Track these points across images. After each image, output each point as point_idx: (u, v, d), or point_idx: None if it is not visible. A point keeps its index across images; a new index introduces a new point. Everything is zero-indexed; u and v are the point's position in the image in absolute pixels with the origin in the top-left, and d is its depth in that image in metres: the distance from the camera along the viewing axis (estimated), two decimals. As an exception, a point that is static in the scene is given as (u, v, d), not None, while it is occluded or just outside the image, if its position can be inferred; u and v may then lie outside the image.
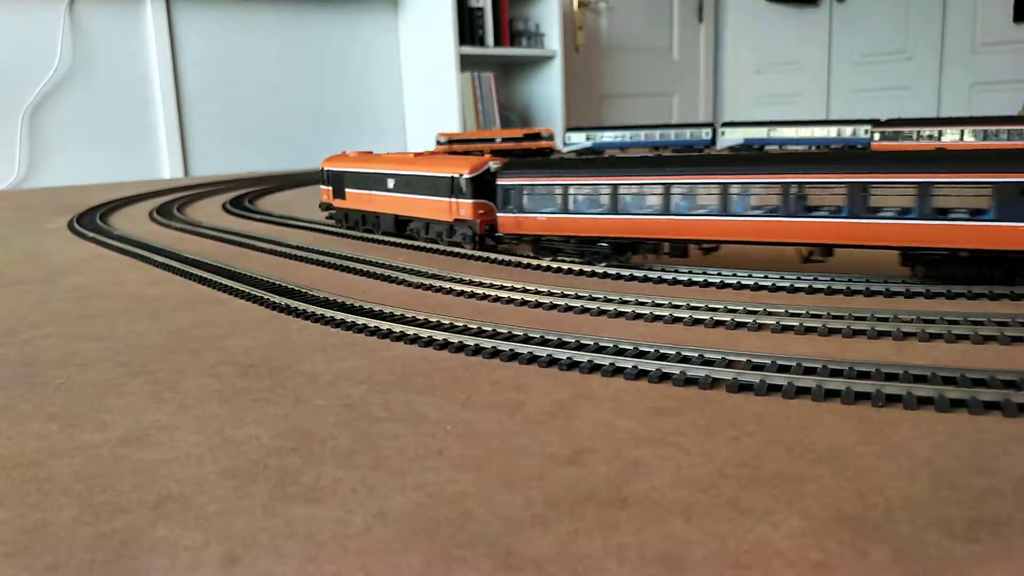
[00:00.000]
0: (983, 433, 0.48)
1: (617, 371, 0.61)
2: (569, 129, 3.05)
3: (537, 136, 2.75)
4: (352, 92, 3.41)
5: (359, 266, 1.08)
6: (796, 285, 0.86)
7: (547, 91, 3.59)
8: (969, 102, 3.34)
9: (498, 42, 3.33)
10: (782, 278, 0.88)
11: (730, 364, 0.60)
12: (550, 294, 0.87)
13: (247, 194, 2.24)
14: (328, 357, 0.69)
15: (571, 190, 1.02)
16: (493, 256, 1.11)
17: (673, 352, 0.63)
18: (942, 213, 0.81)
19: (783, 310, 0.75)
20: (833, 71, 3.85)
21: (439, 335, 0.71)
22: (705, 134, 3.03)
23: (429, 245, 1.23)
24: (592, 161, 1.09)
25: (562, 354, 0.64)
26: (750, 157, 0.96)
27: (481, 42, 3.27)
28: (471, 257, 1.14)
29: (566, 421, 0.52)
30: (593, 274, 0.99)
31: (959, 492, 0.41)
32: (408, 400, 0.58)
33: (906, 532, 0.37)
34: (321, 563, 0.36)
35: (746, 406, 0.54)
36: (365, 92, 3.44)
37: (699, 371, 0.59)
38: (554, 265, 1.03)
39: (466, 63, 3.24)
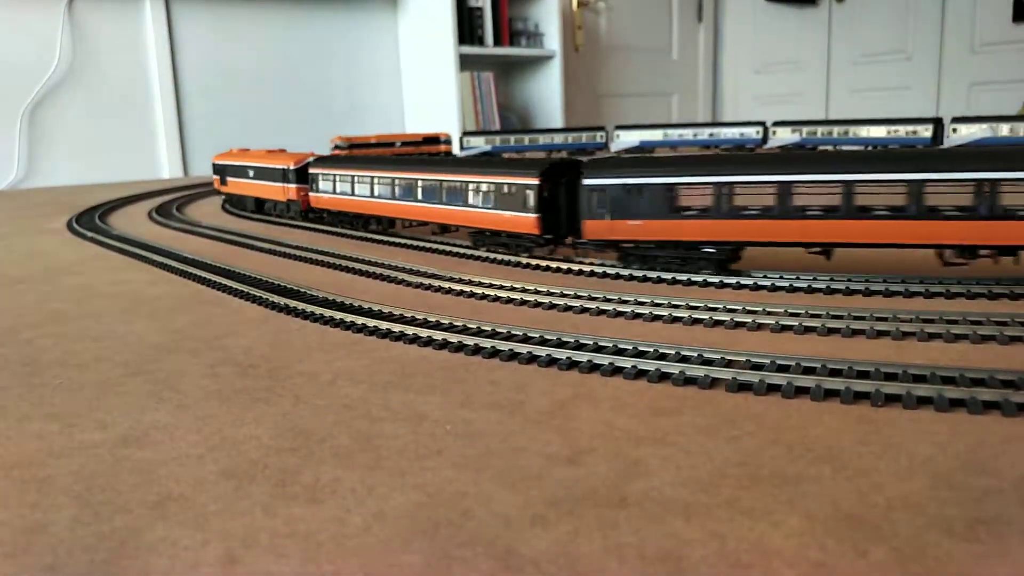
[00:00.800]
0: (982, 433, 0.48)
1: (616, 371, 0.61)
2: (466, 133, 3.12)
3: (436, 140, 2.89)
4: (351, 92, 3.41)
5: (358, 266, 1.09)
6: (795, 285, 0.86)
7: (546, 91, 3.59)
8: (968, 102, 3.34)
9: (497, 42, 3.33)
10: (781, 277, 0.88)
11: (729, 364, 0.60)
12: (549, 294, 0.87)
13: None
14: (327, 357, 0.69)
15: (337, 178, 1.42)
16: (492, 256, 1.12)
17: (672, 352, 0.63)
18: (480, 204, 1.12)
19: (782, 310, 0.75)
20: (832, 71, 3.85)
21: (438, 335, 0.71)
22: (599, 137, 3.11)
23: (428, 245, 1.23)
24: (357, 158, 1.45)
25: (561, 354, 0.64)
26: (436, 160, 1.33)
27: (480, 42, 3.27)
28: (470, 257, 1.14)
29: (565, 421, 0.52)
30: (592, 274, 0.99)
31: (959, 492, 0.41)
32: (407, 400, 0.58)
33: (906, 532, 0.37)
34: (321, 563, 0.36)
35: (746, 406, 0.54)
36: (365, 92, 3.44)
37: (698, 371, 0.59)
38: (553, 265, 1.03)
39: (465, 63, 3.24)
